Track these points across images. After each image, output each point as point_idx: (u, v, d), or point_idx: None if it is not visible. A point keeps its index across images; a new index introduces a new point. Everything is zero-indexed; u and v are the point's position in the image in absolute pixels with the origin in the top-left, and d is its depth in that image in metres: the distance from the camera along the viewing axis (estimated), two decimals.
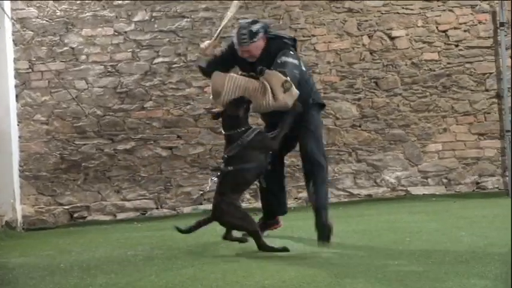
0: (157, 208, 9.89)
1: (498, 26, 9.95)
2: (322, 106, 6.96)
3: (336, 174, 10.00)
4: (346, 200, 9.94)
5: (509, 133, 9.85)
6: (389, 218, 8.10)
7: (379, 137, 10.09)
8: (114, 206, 9.86)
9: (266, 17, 9.98)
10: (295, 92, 6.15)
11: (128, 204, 9.87)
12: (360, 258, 5.62)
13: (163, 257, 6.44)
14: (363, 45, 10.13)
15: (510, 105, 9.84)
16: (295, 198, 9.78)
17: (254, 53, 6.39)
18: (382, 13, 10.14)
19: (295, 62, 6.38)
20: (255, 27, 6.34)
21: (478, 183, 9.98)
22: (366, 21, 10.13)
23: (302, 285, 4.66)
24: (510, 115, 9.87)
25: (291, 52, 6.40)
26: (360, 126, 10.08)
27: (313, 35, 10.08)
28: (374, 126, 10.08)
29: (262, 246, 5.98)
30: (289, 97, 6.12)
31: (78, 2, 9.89)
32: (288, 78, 6.10)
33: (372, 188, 9.99)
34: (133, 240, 7.76)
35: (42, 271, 6.04)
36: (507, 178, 9.87)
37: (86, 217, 9.81)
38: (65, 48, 9.91)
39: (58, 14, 9.86)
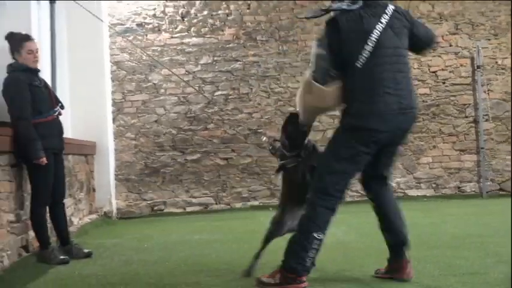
0: (216, 204, 9.84)
1: (475, 68, 9.92)
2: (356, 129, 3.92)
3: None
4: (358, 199, 9.53)
5: (484, 149, 9.83)
6: None
7: None
8: (184, 202, 9.83)
9: (299, 60, 9.94)
10: (317, 88, 3.92)
11: (194, 200, 9.83)
12: (370, 242, 5.60)
13: (221, 241, 6.49)
14: None
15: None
16: None
17: None
18: None
19: (317, 50, 3.99)
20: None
21: (459, 187, 9.93)
22: None
23: (325, 263, 4.61)
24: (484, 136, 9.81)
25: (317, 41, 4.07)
26: None
27: None
28: None
29: None
30: (313, 97, 3.98)
31: (159, 49, 9.93)
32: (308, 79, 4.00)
33: None
34: (198, 228, 7.80)
35: (130, 250, 6.14)
36: (481, 184, 9.81)
37: (163, 210, 9.79)
38: (149, 83, 9.93)
39: (144, 58, 9.88)
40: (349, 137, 3.95)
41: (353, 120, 3.94)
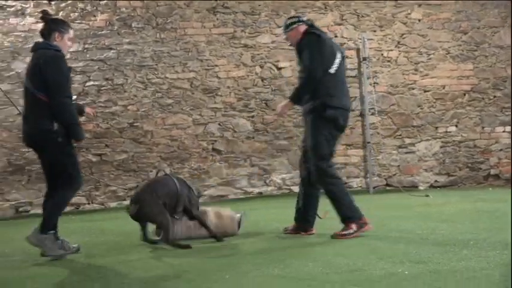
0: (88, 203, 9.62)
1: (361, 60, 10.16)
2: (330, 117, 5.89)
3: (234, 176, 9.93)
4: (242, 196, 9.90)
5: (370, 144, 10.09)
6: (276, 211, 8.04)
7: (269, 147, 10.09)
8: None
9: (178, 49, 9.90)
10: None
11: None
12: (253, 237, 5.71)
13: (91, 244, 6.33)
14: (256, 73, 10.12)
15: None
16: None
17: (290, 41, 6.06)
18: (271, 48, 10.17)
19: (308, 50, 5.73)
20: (289, 20, 6.01)
21: (346, 183, 9.87)
22: (258, 54, 10.14)
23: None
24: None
25: (306, 43, 5.79)
26: (253, 138, 10.06)
27: (216, 65, 10.01)
28: (265, 138, 10.09)
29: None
30: None
31: (22, 35, 9.55)
32: None
33: (262, 187, 10.01)
34: (68, 230, 7.27)
35: None
36: (368, 179, 10.04)
37: (29, 211, 9.40)
38: (12, 72, 9.49)
39: (6, 44, 9.49)
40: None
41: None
